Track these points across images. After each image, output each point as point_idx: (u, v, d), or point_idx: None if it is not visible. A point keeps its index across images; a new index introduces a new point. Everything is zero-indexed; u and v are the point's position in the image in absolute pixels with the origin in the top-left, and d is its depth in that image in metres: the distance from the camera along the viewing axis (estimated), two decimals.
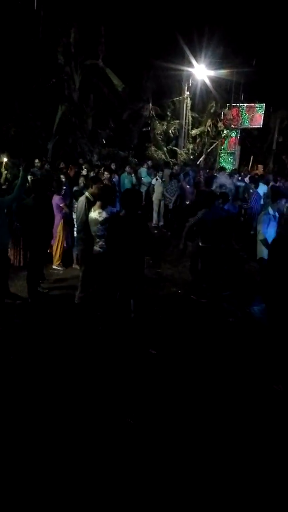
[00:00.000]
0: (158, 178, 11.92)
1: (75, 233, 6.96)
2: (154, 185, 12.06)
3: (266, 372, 4.44)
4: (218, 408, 3.86)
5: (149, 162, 14.09)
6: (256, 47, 19.82)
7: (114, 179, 11.16)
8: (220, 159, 21.28)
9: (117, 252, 4.52)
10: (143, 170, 13.13)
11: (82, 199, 5.70)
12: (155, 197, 11.88)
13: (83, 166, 10.71)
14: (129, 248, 4.48)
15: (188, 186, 11.48)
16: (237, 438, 3.48)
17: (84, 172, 9.93)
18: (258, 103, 20.83)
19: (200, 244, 6.54)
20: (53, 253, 7.69)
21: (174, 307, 6.28)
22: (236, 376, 4.41)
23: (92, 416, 3.64)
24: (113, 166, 12.18)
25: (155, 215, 11.97)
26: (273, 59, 20.68)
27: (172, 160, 18.34)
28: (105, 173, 10.65)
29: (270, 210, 6.26)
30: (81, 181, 7.98)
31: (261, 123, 21.03)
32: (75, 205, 6.77)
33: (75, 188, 7.78)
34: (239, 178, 13.52)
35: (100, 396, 3.92)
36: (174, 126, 18.76)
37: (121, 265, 4.55)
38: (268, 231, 6.12)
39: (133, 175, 12.40)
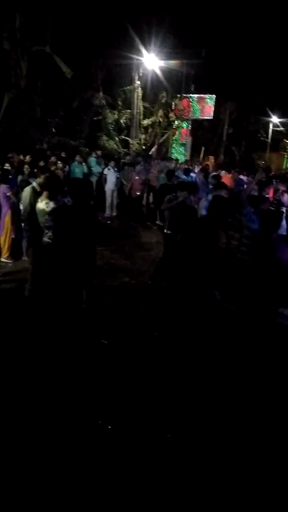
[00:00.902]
0: (110, 167, 11.80)
1: (22, 224, 6.75)
2: (106, 175, 11.94)
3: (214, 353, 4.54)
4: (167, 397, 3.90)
5: (98, 152, 13.94)
6: (206, 39, 20.03)
7: (65, 169, 10.96)
8: (172, 149, 21.44)
9: (65, 243, 4.42)
10: (92, 160, 12.96)
11: (28, 189, 5.51)
12: (108, 187, 11.76)
13: (27, 156, 10.44)
14: (78, 239, 4.40)
15: (137, 177, 11.45)
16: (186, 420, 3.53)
17: (28, 159, 9.66)
18: (209, 94, 21.12)
19: (166, 231, 6.55)
20: (1, 246, 7.42)
21: (127, 297, 6.26)
22: (182, 363, 4.48)
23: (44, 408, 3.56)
24: (63, 155, 11.95)
25: (107, 205, 11.85)
26: (222, 52, 21.01)
27: (125, 150, 18.26)
28: (59, 162, 10.42)
29: (210, 197, 6.53)
30: (26, 169, 7.75)
31: (212, 115, 21.37)
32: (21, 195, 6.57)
33: (20, 178, 7.54)
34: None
35: (51, 387, 3.84)
36: (126, 115, 18.63)
37: (70, 256, 4.46)
38: None
39: (84, 164, 12.23)
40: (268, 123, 29.76)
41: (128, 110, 18.67)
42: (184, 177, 10.71)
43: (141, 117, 18.95)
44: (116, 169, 11.88)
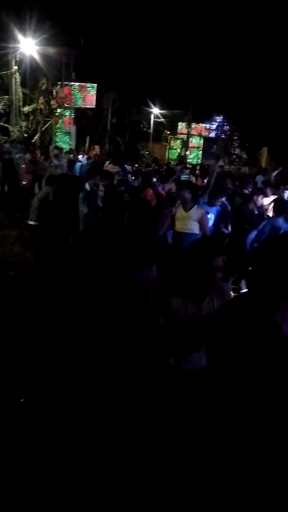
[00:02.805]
0: None
1: None
2: None
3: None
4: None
5: None
6: (84, 27, 19.88)
7: None
8: (56, 138, 20.99)
9: None
10: None
11: None
12: None
13: None
14: None
15: (23, 166, 11.00)
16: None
17: None
18: (90, 83, 21.07)
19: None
20: None
21: (12, 291, 6.03)
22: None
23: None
24: None
25: None
26: (101, 40, 21.07)
27: (5, 137, 17.34)
28: None
29: (87, 186, 6.72)
30: None
31: (94, 103, 21.41)
32: None
33: None
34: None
35: None
36: (4, 101, 17.68)
37: None
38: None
39: None
40: (149, 114, 30.74)
41: (6, 96, 17.74)
42: None
43: (21, 103, 18.17)
44: None
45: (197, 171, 13.33)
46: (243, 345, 1.36)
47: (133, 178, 10.22)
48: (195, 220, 5.47)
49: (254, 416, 1.37)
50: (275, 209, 6.07)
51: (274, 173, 11.47)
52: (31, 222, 6.53)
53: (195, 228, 5.47)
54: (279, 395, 1.34)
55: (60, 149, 15.34)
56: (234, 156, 33.09)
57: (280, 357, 1.33)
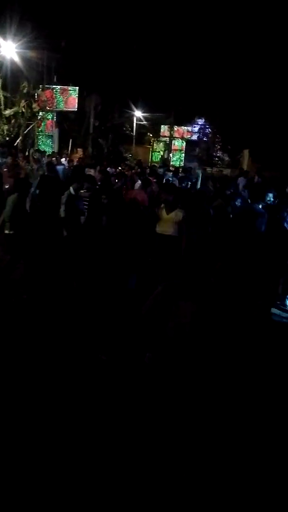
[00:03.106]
0: None
1: None
2: None
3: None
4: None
5: None
6: (66, 30, 19.86)
7: None
8: (39, 141, 20.87)
9: None
10: None
11: None
12: None
13: None
14: None
15: (5, 169, 10.93)
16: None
17: None
18: (72, 86, 21.04)
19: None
20: None
21: None
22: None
23: None
24: None
25: None
26: (83, 44, 21.06)
27: None
28: None
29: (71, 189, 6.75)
30: None
31: (76, 106, 21.36)
32: None
33: None
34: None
35: None
36: None
37: None
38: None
39: None
40: (132, 116, 30.79)
41: None
42: None
43: (2, 107, 18.03)
44: None
45: (180, 174, 13.43)
46: None
47: (116, 180, 10.24)
48: (176, 222, 5.56)
49: None
50: None
51: (256, 178, 11.65)
52: (7, 231, 6.11)
53: (175, 231, 5.57)
54: None
55: (42, 152, 15.29)
56: (216, 159, 33.36)
57: None
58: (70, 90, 20.81)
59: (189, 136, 32.26)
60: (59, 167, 11.97)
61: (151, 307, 2.95)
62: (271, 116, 24.31)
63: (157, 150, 32.97)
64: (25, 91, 18.83)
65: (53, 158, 13.29)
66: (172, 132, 31.01)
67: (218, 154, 33.13)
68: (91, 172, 10.61)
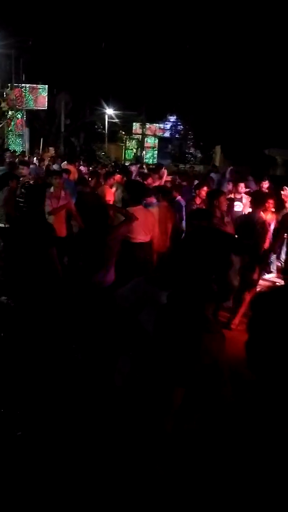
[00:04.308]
0: None
1: None
2: None
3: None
4: None
5: None
6: (34, 29, 19.58)
7: None
8: (9, 141, 20.54)
9: None
10: None
11: None
12: None
13: None
14: None
15: None
16: None
17: None
18: (41, 84, 20.79)
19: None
20: None
21: None
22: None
23: None
24: None
25: None
26: (51, 42, 20.83)
27: None
28: None
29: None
30: None
31: (46, 105, 21.15)
32: None
33: None
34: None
35: None
36: None
37: None
38: None
39: None
40: (103, 114, 30.63)
41: None
42: None
43: None
44: None
45: None
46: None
47: (89, 179, 10.16)
48: None
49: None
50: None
51: (228, 172, 11.74)
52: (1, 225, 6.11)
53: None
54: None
55: (13, 152, 15.03)
56: (189, 155, 33.57)
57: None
58: (40, 88, 20.58)
59: (161, 134, 32.38)
60: (31, 167, 11.79)
61: (126, 295, 2.85)
62: (242, 112, 24.63)
63: (130, 148, 32.97)
64: None
65: (16, 160, 13.06)
66: (144, 129, 31.05)
67: (190, 151, 33.34)
68: (70, 167, 10.53)
